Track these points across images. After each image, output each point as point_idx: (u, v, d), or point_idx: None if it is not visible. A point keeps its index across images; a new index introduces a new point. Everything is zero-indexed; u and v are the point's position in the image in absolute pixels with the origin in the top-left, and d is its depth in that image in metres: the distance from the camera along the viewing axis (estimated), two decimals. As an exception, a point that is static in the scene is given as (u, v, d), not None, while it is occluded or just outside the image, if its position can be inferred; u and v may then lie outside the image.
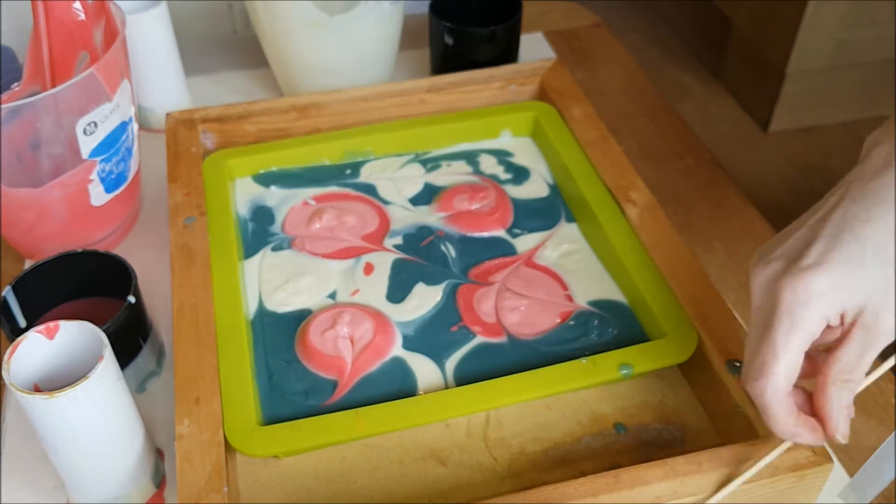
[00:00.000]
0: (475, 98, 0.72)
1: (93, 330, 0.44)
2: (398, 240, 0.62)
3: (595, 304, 0.57)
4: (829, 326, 0.42)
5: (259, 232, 0.63)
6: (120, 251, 0.66)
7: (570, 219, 0.64)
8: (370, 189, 0.66)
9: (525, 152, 0.70)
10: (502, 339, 0.55)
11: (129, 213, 0.68)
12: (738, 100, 2.02)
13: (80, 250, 0.56)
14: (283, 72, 0.80)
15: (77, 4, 0.62)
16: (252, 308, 0.57)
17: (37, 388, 0.45)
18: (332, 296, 0.58)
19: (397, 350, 0.54)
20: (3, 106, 0.54)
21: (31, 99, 0.54)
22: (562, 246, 0.61)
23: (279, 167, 0.68)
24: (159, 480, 0.51)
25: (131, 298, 0.53)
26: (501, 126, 0.71)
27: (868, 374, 0.43)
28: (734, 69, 2.02)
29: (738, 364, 0.50)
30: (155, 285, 0.62)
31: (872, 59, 1.78)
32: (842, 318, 0.41)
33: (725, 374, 0.50)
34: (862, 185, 0.42)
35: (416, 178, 0.67)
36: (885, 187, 0.41)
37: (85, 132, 0.58)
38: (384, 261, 0.60)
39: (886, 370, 0.45)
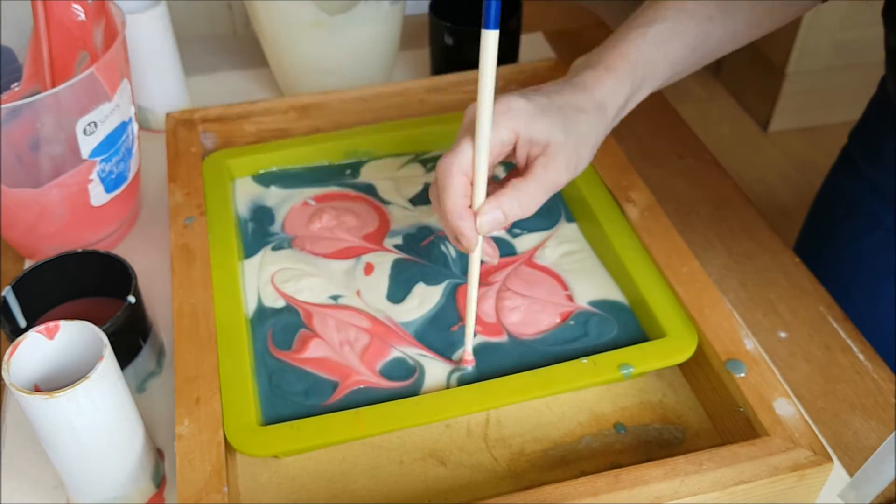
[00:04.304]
0: (475, 98, 0.72)
1: (93, 330, 0.44)
2: (398, 240, 0.62)
3: (595, 304, 0.57)
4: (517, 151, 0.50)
5: (259, 232, 0.63)
6: (120, 251, 0.66)
7: (570, 219, 0.64)
8: (370, 189, 0.66)
9: (525, 152, 0.70)
10: (502, 338, 0.55)
11: (129, 213, 0.68)
12: (738, 100, 2.02)
13: (80, 250, 0.56)
14: (283, 72, 0.80)
15: (77, 4, 0.62)
16: (252, 308, 0.57)
17: (37, 388, 0.45)
18: (333, 296, 0.58)
19: (397, 350, 0.54)
20: (3, 106, 0.54)
21: (31, 99, 0.54)
22: (562, 246, 0.61)
23: (279, 167, 0.68)
24: (159, 480, 0.51)
25: (131, 298, 0.53)
26: (501, 126, 0.71)
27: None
28: (734, 69, 2.02)
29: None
30: (155, 285, 0.62)
31: (872, 59, 1.77)
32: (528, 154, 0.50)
33: (725, 374, 0.50)
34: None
35: (415, 178, 0.67)
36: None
37: (85, 132, 0.58)
38: (384, 261, 0.60)
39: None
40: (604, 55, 0.53)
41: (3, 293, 0.53)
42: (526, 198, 0.49)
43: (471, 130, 0.47)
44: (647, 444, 0.52)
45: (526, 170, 0.50)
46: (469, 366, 0.53)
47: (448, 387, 0.52)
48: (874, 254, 0.72)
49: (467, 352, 0.53)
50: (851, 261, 0.73)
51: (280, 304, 0.57)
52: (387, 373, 0.53)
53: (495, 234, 0.62)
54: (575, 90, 0.51)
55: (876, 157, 0.71)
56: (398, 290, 0.58)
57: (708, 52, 0.57)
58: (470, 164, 0.47)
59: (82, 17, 0.63)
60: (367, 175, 0.68)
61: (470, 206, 0.49)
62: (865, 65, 1.81)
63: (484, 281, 0.58)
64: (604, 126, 0.52)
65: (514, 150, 0.50)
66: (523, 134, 0.48)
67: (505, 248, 0.61)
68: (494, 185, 0.51)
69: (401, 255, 0.60)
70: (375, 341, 0.54)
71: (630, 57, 0.53)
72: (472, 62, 0.77)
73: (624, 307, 0.57)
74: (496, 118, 0.47)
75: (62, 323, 0.44)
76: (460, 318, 0.56)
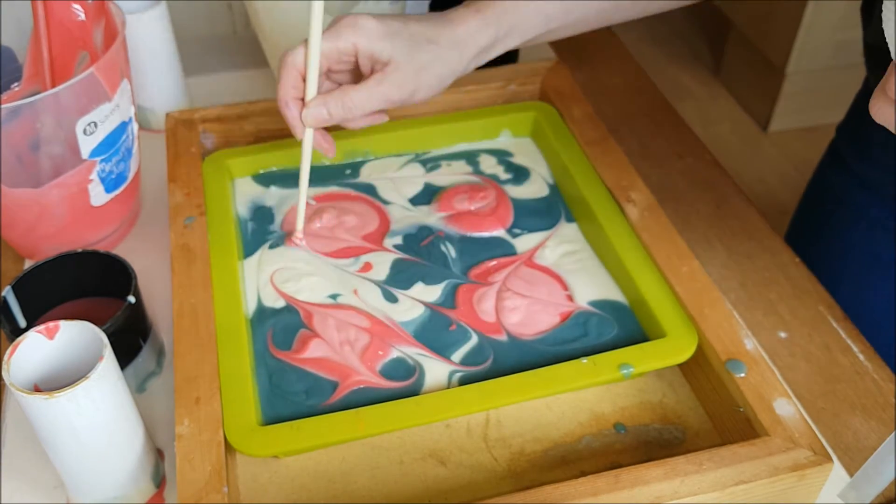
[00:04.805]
0: (475, 98, 0.72)
1: (93, 330, 0.44)
2: (398, 240, 0.62)
3: (595, 304, 0.57)
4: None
5: (259, 232, 0.63)
6: (120, 251, 0.66)
7: (570, 219, 0.64)
8: (370, 189, 0.66)
9: (525, 152, 0.70)
10: (502, 338, 0.55)
11: (129, 213, 0.68)
12: (738, 100, 2.02)
13: (80, 250, 0.56)
14: (283, 72, 0.80)
15: (77, 4, 0.62)
16: (252, 308, 0.57)
17: (37, 388, 0.45)
18: (333, 296, 0.58)
19: (396, 350, 0.54)
20: (3, 106, 0.54)
21: (31, 99, 0.54)
22: (562, 246, 0.61)
23: (279, 167, 0.68)
24: (159, 480, 0.51)
25: (131, 298, 0.53)
26: (501, 126, 0.71)
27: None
28: (734, 69, 2.02)
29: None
30: (155, 285, 0.62)
31: (872, 59, 1.77)
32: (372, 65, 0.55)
33: (725, 374, 0.50)
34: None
35: (415, 178, 0.67)
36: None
37: (85, 132, 0.58)
38: (384, 260, 0.60)
39: None
40: None
41: (3, 293, 0.53)
42: (350, 102, 0.54)
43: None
44: (647, 444, 0.52)
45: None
46: (300, 242, 0.60)
47: (448, 387, 0.52)
48: (861, 246, 0.72)
49: (297, 230, 0.60)
50: (839, 254, 0.73)
51: (280, 304, 0.57)
52: (387, 373, 0.53)
53: (495, 234, 0.62)
54: (437, 23, 0.56)
55: (862, 151, 0.71)
56: (397, 290, 0.58)
57: (587, 17, 0.60)
58: (303, 61, 0.54)
59: (82, 17, 0.63)
60: (367, 175, 0.68)
61: (302, 99, 0.55)
62: (865, 65, 1.81)
63: (484, 281, 0.58)
64: (458, 62, 0.56)
65: (358, 62, 0.55)
66: (363, 49, 0.54)
67: (505, 248, 0.61)
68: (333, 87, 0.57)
69: (401, 255, 0.60)
70: (375, 341, 0.54)
71: (500, 4, 0.57)
72: (472, 62, 0.77)
73: (624, 307, 0.57)
74: (341, 29, 0.54)
75: (62, 323, 0.44)
76: (458, 316, 0.56)
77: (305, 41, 0.53)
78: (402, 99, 0.55)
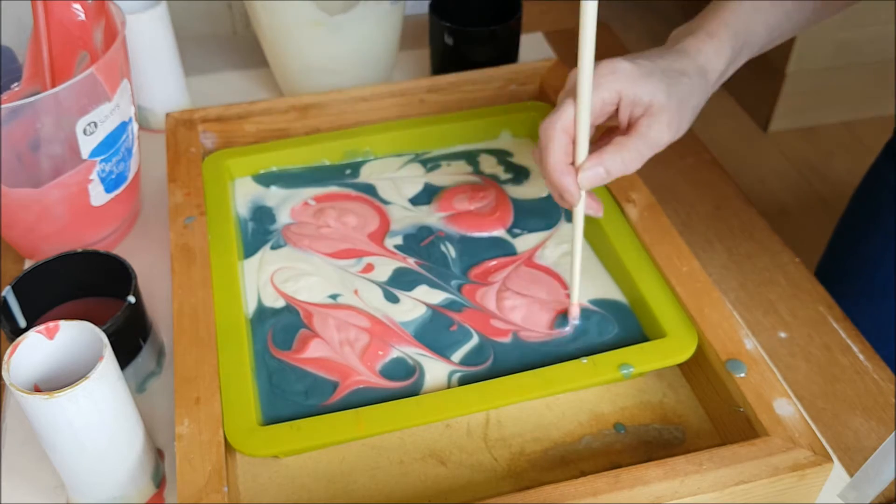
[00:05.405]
0: (475, 98, 0.72)
1: (93, 330, 0.44)
2: (398, 240, 0.62)
3: (595, 303, 0.57)
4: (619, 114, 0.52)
5: (259, 232, 0.63)
6: (120, 251, 0.66)
7: (570, 219, 0.64)
8: (370, 189, 0.66)
9: (525, 152, 0.70)
10: (503, 338, 0.55)
11: (129, 213, 0.68)
12: (738, 100, 2.02)
13: (80, 250, 0.56)
14: (283, 72, 0.80)
15: (77, 4, 0.62)
16: (252, 308, 0.57)
17: (37, 388, 0.45)
18: (333, 296, 0.58)
19: (397, 350, 0.54)
20: (3, 106, 0.54)
21: (31, 99, 0.54)
22: (562, 246, 0.61)
23: (279, 167, 0.68)
24: (159, 480, 0.51)
25: (131, 298, 0.53)
26: (501, 126, 0.71)
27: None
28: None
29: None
30: (155, 285, 0.62)
31: (872, 59, 1.77)
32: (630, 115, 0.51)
33: (725, 374, 0.50)
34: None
35: (415, 178, 0.67)
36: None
37: (85, 132, 0.58)
38: (385, 263, 0.60)
39: None
40: (704, 23, 0.55)
41: (3, 293, 0.53)
42: (629, 154, 0.51)
43: (572, 93, 0.49)
44: (647, 444, 0.52)
45: (629, 129, 0.52)
46: (575, 320, 0.55)
47: (448, 387, 0.52)
48: None
49: (573, 312, 0.55)
50: (887, 248, 0.72)
51: (280, 303, 0.57)
52: (387, 373, 0.53)
53: (495, 234, 0.62)
54: (678, 55, 0.53)
55: None
56: (398, 290, 0.58)
57: (804, 19, 0.58)
58: (571, 123, 0.49)
59: (82, 17, 0.63)
60: (367, 175, 0.68)
61: (572, 163, 0.51)
62: (865, 65, 1.81)
63: (484, 281, 0.58)
64: (704, 90, 0.54)
65: (617, 111, 0.52)
66: (626, 94, 0.50)
67: (505, 248, 0.61)
68: (596, 144, 0.52)
69: (403, 263, 0.60)
70: (375, 341, 0.54)
71: (730, 24, 0.54)
72: (471, 62, 0.77)
73: (624, 307, 0.57)
74: (600, 79, 0.50)
75: (62, 323, 0.44)
76: (463, 318, 0.56)
77: (572, 100, 0.49)
78: (669, 140, 0.52)
